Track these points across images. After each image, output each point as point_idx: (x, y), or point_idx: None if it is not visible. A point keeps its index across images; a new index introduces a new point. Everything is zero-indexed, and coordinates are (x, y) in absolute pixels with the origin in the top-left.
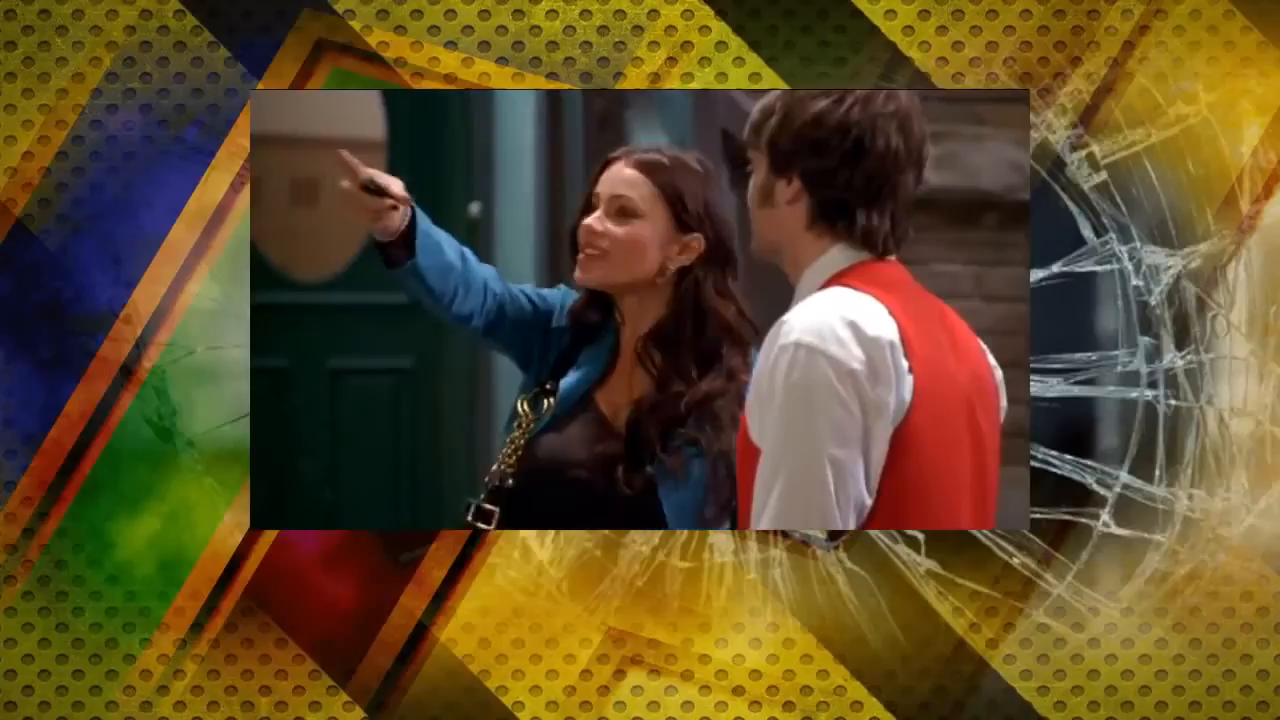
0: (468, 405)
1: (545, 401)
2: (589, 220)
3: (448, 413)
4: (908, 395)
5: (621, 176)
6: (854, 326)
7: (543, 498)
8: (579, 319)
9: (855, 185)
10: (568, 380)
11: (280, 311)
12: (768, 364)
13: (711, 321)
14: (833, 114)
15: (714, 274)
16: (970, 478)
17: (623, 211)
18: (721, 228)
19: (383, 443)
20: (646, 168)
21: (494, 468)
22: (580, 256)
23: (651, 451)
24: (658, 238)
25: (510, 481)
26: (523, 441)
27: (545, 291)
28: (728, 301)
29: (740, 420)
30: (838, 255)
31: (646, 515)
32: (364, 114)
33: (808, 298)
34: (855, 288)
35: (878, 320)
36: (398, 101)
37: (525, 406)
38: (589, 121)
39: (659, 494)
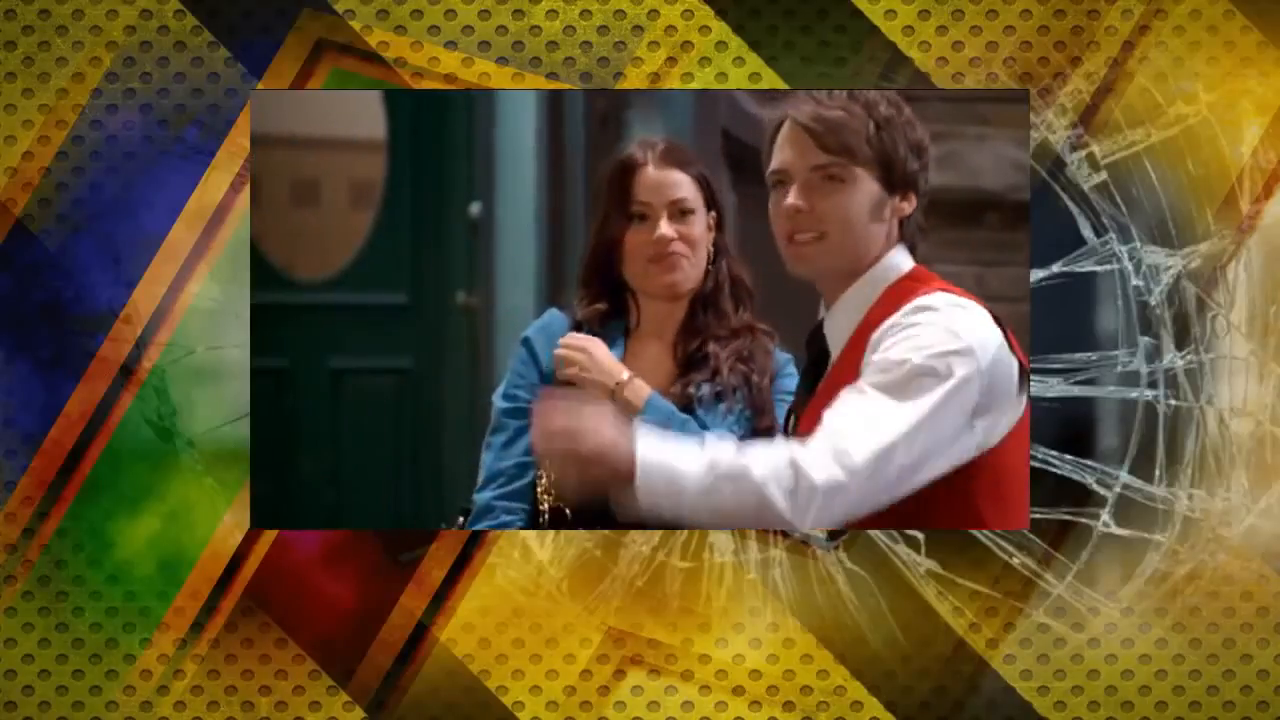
0: (468, 405)
1: None
2: (663, 230)
3: (448, 413)
4: (1019, 410)
5: (665, 180)
6: (995, 345)
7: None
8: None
9: (927, 194)
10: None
11: (280, 311)
12: (899, 320)
13: (740, 287)
14: (920, 126)
15: (723, 241)
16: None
17: (684, 212)
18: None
19: (383, 443)
20: (677, 161)
21: (545, 507)
22: (663, 265)
23: (718, 365)
24: (706, 226)
25: (569, 512)
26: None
27: (538, 350)
28: (742, 262)
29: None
30: (896, 259)
31: None
32: (365, 114)
33: (920, 299)
34: (954, 292)
35: (999, 335)
36: (399, 101)
37: None
38: (590, 121)
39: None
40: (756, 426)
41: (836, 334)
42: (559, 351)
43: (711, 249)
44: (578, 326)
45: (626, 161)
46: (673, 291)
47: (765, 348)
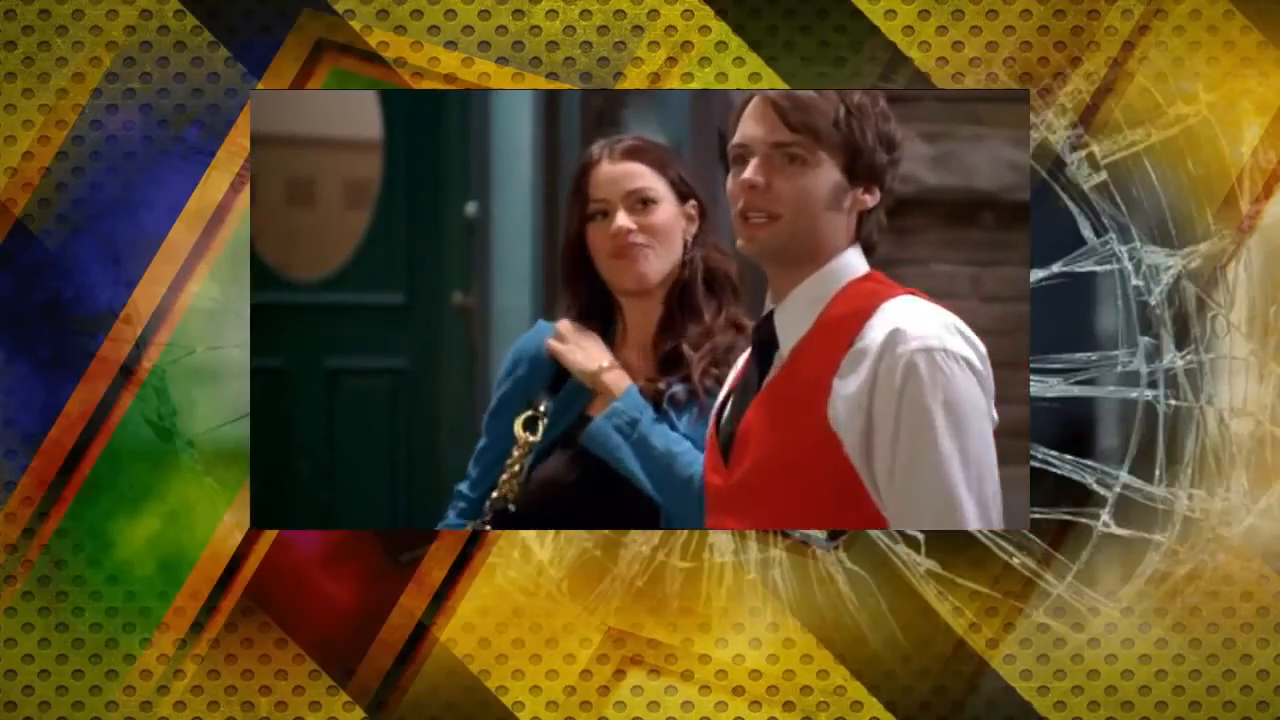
0: (464, 405)
1: (539, 424)
2: (620, 222)
3: (444, 413)
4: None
5: (621, 172)
6: (968, 336)
7: (544, 518)
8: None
9: (892, 194)
10: (555, 403)
11: (277, 312)
12: (895, 369)
13: (720, 280)
14: (895, 121)
15: (708, 234)
16: None
17: (644, 202)
18: (702, 190)
19: (380, 443)
20: (637, 155)
21: (494, 495)
22: (626, 258)
23: (689, 370)
24: (675, 215)
25: (513, 507)
26: (522, 466)
27: (519, 362)
28: (729, 257)
29: (785, 415)
30: (852, 259)
31: (646, 512)
32: (361, 114)
33: (891, 305)
34: (917, 295)
35: (968, 329)
36: (395, 101)
37: (520, 429)
38: (586, 121)
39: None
40: None
41: (787, 328)
42: (550, 341)
43: (688, 240)
44: None
45: (584, 161)
46: (641, 283)
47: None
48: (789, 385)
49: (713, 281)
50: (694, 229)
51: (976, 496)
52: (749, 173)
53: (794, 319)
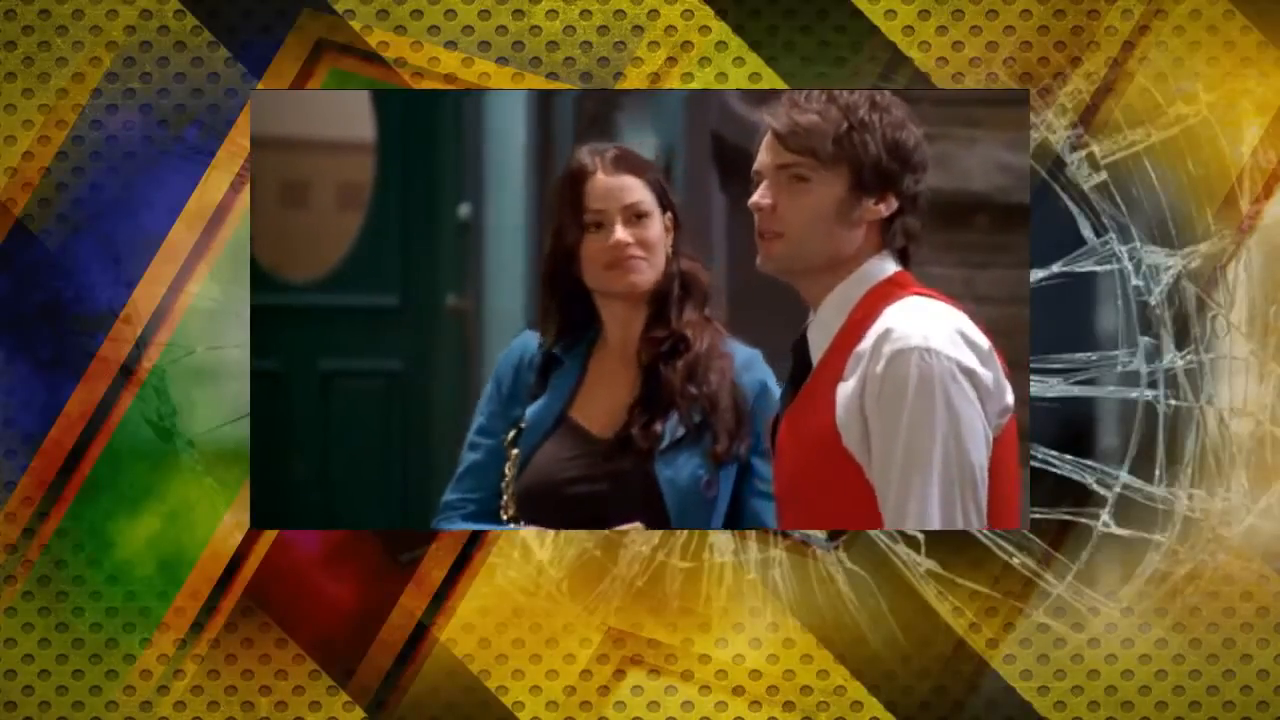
0: (458, 407)
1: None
2: (618, 236)
3: (439, 415)
4: (1010, 399)
5: (618, 185)
6: (964, 335)
7: (542, 517)
8: (558, 338)
9: (921, 198)
10: (534, 408)
11: (272, 314)
12: (879, 370)
13: (692, 285)
14: (910, 127)
15: (680, 240)
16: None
17: (638, 216)
18: (675, 197)
19: (374, 446)
20: (629, 168)
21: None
22: (621, 269)
23: (672, 393)
24: (662, 228)
25: (508, 514)
26: (509, 480)
27: (501, 372)
28: (696, 261)
29: (807, 422)
30: (878, 265)
31: (647, 512)
32: (354, 116)
33: (892, 308)
34: (928, 296)
35: (973, 328)
36: (388, 103)
37: (508, 444)
38: (580, 122)
39: (655, 471)
40: (720, 454)
41: (818, 340)
42: None
43: (670, 250)
44: (550, 349)
45: (577, 171)
46: (632, 290)
47: (720, 370)
48: (812, 394)
49: (690, 287)
50: (670, 239)
51: (943, 496)
52: (756, 195)
53: (823, 330)
